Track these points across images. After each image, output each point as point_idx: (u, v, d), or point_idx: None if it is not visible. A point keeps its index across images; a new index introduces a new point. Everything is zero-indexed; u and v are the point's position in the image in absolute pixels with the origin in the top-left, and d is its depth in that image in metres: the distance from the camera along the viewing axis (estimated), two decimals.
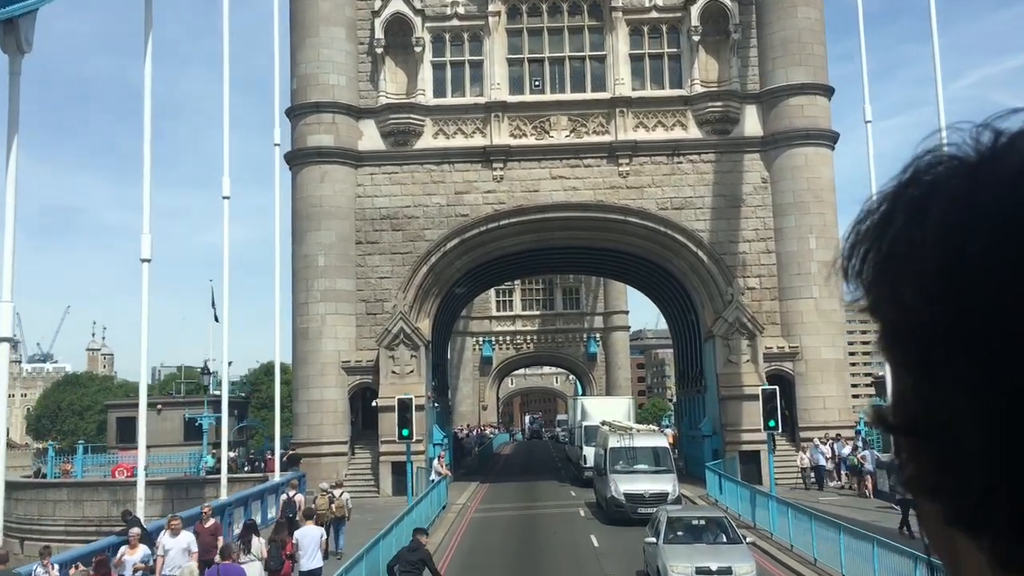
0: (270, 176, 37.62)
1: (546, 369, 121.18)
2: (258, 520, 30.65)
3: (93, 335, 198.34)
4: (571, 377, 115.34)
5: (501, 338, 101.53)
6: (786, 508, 25.25)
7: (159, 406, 48.66)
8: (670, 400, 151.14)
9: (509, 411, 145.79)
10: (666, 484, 26.83)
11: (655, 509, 22.21)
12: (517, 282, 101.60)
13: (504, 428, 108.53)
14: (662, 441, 29.50)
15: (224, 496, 28.77)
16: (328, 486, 29.67)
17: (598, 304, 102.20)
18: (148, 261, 24.38)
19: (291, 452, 40.92)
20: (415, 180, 42.19)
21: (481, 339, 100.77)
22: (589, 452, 34.93)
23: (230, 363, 52.74)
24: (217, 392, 67.56)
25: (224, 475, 30.61)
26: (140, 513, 35.33)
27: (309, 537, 21.58)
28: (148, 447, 49.92)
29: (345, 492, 29.54)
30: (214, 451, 44.20)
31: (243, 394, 57.91)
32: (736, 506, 29.81)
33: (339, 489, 29.60)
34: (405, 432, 28.32)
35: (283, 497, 29.81)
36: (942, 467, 0.71)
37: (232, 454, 47.74)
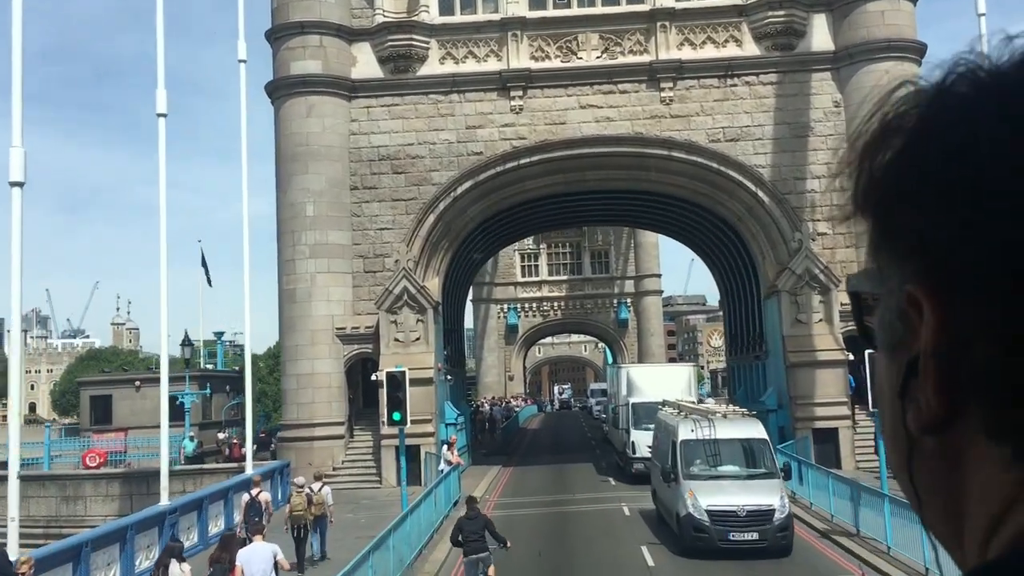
0: None
1: (574, 337, 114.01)
2: (220, 528, 23.87)
3: (118, 310, 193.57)
4: (600, 345, 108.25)
5: (527, 305, 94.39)
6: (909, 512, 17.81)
7: (137, 382, 42.04)
8: (700, 368, 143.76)
9: (537, 381, 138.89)
10: (769, 495, 17.55)
11: (754, 534, 14.97)
12: (543, 245, 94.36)
13: (532, 399, 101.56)
14: (758, 430, 18.52)
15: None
16: (303, 482, 23.13)
17: (628, 267, 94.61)
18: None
19: (260, 435, 34.23)
20: (419, 113, 34.86)
21: (506, 306, 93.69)
22: (640, 439, 27.07)
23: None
24: (210, 366, 61.19)
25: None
26: (92, 511, 28.70)
27: (256, 560, 15.26)
28: (126, 429, 43.61)
29: (326, 486, 22.77)
30: (194, 435, 37.53)
31: (237, 368, 51.33)
32: (826, 503, 22.52)
33: (318, 483, 22.75)
34: (396, 415, 21.24)
35: (244, 497, 22.95)
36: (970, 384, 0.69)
37: (223, 435, 41.10)
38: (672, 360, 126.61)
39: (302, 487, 23.36)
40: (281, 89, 34.54)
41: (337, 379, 33.67)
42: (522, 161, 34.57)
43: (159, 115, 21.56)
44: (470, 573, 15.61)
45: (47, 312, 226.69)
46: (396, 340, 33.00)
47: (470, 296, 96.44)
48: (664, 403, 23.16)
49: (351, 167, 34.65)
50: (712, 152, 34.20)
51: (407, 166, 34.66)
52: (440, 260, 35.14)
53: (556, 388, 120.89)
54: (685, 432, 17.92)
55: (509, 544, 16.05)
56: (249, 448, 27.26)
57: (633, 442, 27.55)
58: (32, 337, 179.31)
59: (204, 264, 52.75)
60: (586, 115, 34.51)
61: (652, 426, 25.19)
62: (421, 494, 24.28)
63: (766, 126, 34.40)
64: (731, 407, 19.22)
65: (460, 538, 15.68)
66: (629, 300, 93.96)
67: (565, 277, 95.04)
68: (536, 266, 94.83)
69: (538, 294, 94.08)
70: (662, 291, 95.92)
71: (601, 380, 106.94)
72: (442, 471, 28.08)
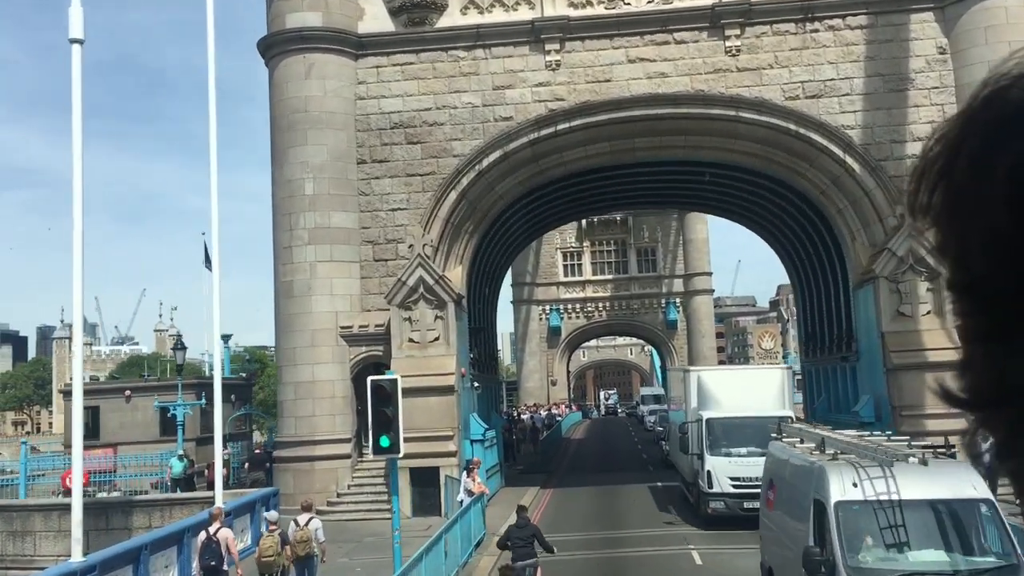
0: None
1: (619, 340, 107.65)
2: None
3: (160, 316, 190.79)
4: (647, 348, 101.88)
5: (570, 306, 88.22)
6: None
7: (127, 391, 36.65)
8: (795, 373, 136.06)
9: (582, 386, 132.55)
10: None
11: None
12: (586, 243, 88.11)
13: (577, 406, 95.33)
14: (974, 485, 9.83)
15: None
16: (276, 517, 17.87)
17: (677, 266, 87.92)
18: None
19: (255, 452, 28.67)
20: (438, 73, 28.98)
21: (548, 308, 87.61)
22: (719, 468, 20.16)
23: (182, 347, 40.41)
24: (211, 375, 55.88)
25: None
26: (42, 549, 23.22)
27: None
28: (115, 445, 38.32)
29: (315, 519, 18.45)
30: (184, 453, 32.00)
31: (243, 374, 45.84)
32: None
33: (305, 515, 18.35)
34: (384, 440, 15.22)
35: (199, 537, 17.48)
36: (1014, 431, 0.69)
37: (226, 451, 35.49)
38: (721, 363, 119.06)
39: (276, 524, 18.12)
40: (275, 47, 28.89)
41: (342, 387, 27.89)
42: (559, 127, 28.50)
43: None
44: None
45: (95, 319, 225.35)
46: (411, 341, 27.13)
47: (510, 297, 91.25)
48: (783, 428, 14.73)
49: (358, 137, 28.87)
50: (789, 111, 27.85)
51: (424, 135, 28.78)
52: (463, 246, 29.20)
53: (602, 394, 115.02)
54: (841, 487, 9.77)
55: (555, 550, 15.91)
56: (218, 473, 21.46)
57: (709, 472, 20.26)
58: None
59: (207, 259, 47.43)
60: (636, 71, 28.36)
61: (734, 451, 19.07)
62: (432, 536, 18.31)
63: (855, 79, 27.96)
64: (917, 447, 11.31)
65: (509, 544, 15.55)
66: (678, 300, 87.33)
67: (610, 276, 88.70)
68: (579, 265, 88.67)
69: (581, 294, 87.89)
70: (713, 290, 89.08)
71: (649, 384, 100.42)
72: (461, 502, 22.09)
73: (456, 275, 28.58)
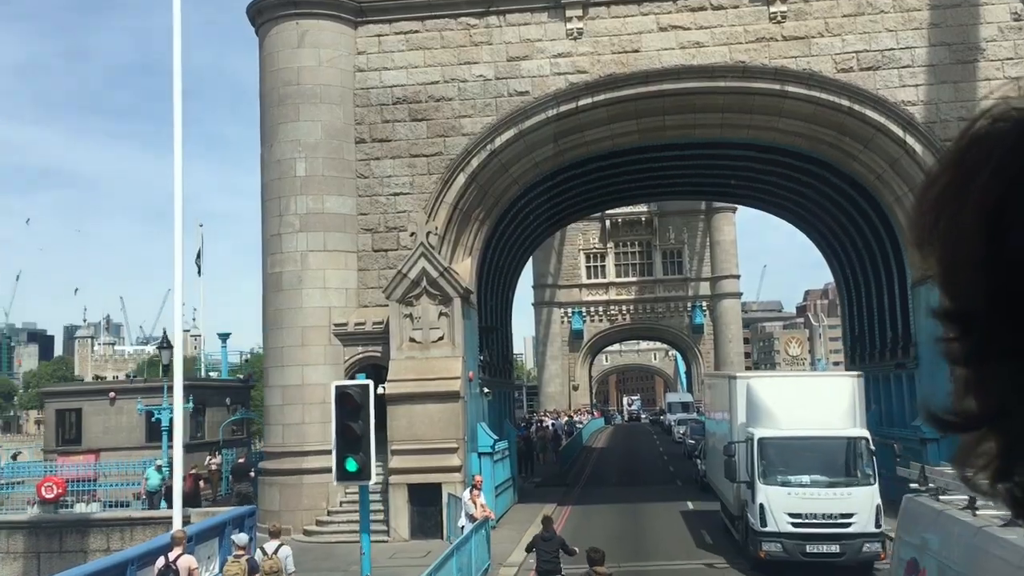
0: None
1: (643, 344, 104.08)
2: None
3: (194, 319, 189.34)
4: (671, 353, 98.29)
5: (593, 309, 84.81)
6: None
7: (112, 394, 33.61)
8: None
9: (604, 391, 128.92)
10: None
11: None
12: (610, 244, 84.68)
13: (599, 412, 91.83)
14: None
15: None
16: (245, 541, 14.94)
17: (704, 268, 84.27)
18: None
19: (238, 462, 25.57)
20: (446, 42, 25.73)
21: (570, 310, 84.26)
22: (775, 501, 15.96)
23: (169, 346, 37.99)
24: (214, 374, 52.94)
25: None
26: None
27: None
28: (97, 451, 35.33)
29: (284, 546, 16.17)
30: (161, 464, 28.92)
31: (241, 376, 42.80)
32: None
33: (274, 542, 16.15)
34: (351, 464, 11.93)
35: (157, 564, 14.59)
36: (1007, 453, 0.72)
37: (216, 461, 32.46)
38: (747, 369, 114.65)
39: (244, 548, 15.21)
40: (265, 12, 25.75)
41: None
42: (581, 102, 25.13)
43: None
44: None
45: (120, 320, 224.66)
46: (412, 341, 23.85)
47: (531, 299, 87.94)
48: (927, 473, 9.34)
49: (356, 113, 25.68)
50: (841, 85, 24.33)
51: (429, 111, 25.54)
52: (473, 236, 25.90)
53: (625, 400, 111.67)
54: None
55: (576, 551, 15.18)
56: (177, 487, 18.22)
57: (762, 506, 16.02)
58: (100, 344, 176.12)
59: (199, 256, 44.66)
60: (667, 40, 24.95)
61: (794, 480, 15.30)
62: (434, 561, 14.98)
63: (917, 49, 24.39)
64: None
65: (535, 549, 15.25)
66: (705, 304, 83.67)
67: (634, 279, 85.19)
68: (602, 267, 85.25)
69: (605, 297, 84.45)
70: (741, 293, 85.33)
71: (673, 390, 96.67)
72: (462, 529, 18.75)
73: (464, 268, 25.30)
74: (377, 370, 24.83)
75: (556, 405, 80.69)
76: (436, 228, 24.32)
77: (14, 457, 30.61)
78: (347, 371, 24.93)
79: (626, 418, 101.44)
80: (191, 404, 31.37)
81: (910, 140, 24.03)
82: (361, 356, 24.96)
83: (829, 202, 29.58)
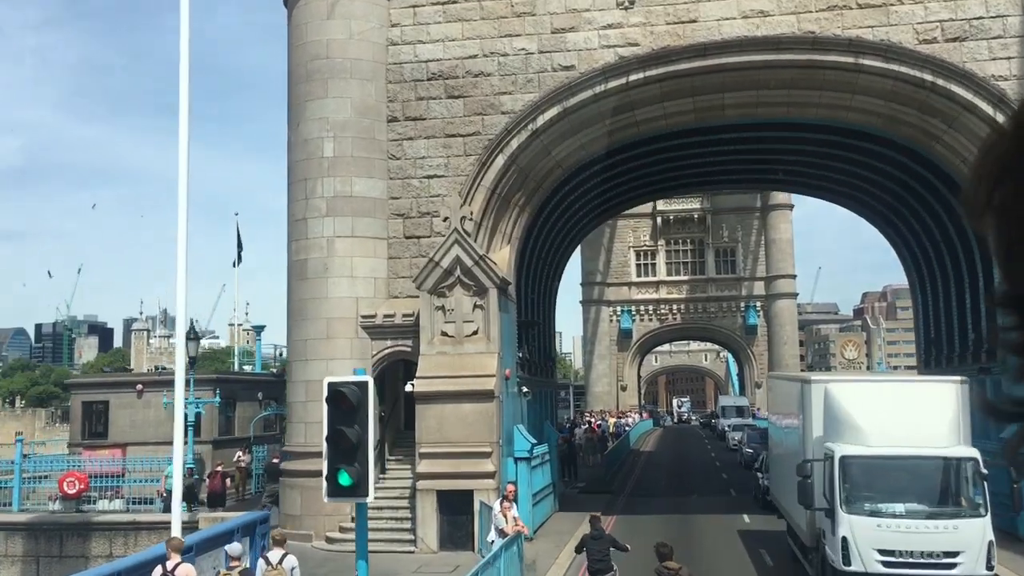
0: None
1: (694, 345, 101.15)
2: None
3: (234, 310, 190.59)
4: (722, 355, 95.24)
5: (642, 308, 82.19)
6: None
7: (139, 386, 32.17)
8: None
9: (653, 392, 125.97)
10: None
11: None
12: (661, 242, 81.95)
13: (648, 413, 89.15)
14: None
15: None
16: (240, 551, 13.41)
17: (758, 267, 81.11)
18: None
19: (272, 461, 23.83)
20: (485, 13, 23.62)
21: (619, 309, 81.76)
22: (861, 532, 12.83)
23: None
24: (248, 367, 51.47)
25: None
26: None
27: None
28: (124, 445, 33.92)
29: (289, 556, 14.54)
30: (197, 457, 27.40)
31: (275, 370, 41.19)
32: None
33: (278, 551, 14.56)
34: (343, 478, 9.85)
35: (154, 574, 12.86)
36: None
37: (245, 458, 30.86)
38: (806, 371, 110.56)
39: (238, 559, 13.54)
40: None
41: None
42: (632, 78, 22.82)
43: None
44: None
45: (175, 313, 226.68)
46: (443, 335, 21.80)
47: (579, 296, 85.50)
48: None
49: (389, 90, 23.71)
50: (924, 58, 21.65)
51: (467, 88, 23.46)
52: (512, 223, 23.77)
53: (675, 401, 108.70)
54: None
55: (628, 548, 14.89)
56: (177, 489, 16.40)
57: (845, 540, 12.85)
58: (156, 336, 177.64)
59: (239, 242, 43.29)
60: (728, 8, 22.53)
61: (885, 509, 12.36)
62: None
63: (1010, 17, 21.62)
64: None
65: (585, 549, 14.73)
66: (759, 304, 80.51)
67: (686, 277, 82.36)
68: (653, 264, 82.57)
69: (655, 296, 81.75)
70: (797, 294, 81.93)
71: (724, 392, 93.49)
72: (491, 543, 16.63)
73: (502, 257, 23.18)
74: (408, 366, 22.92)
75: (603, 405, 78.25)
76: (471, 213, 22.24)
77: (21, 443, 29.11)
78: (375, 366, 22.99)
79: (675, 420, 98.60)
80: (218, 399, 29.80)
81: (1002, 119, 21.27)
82: (390, 350, 23.00)
83: (906, 190, 26.83)
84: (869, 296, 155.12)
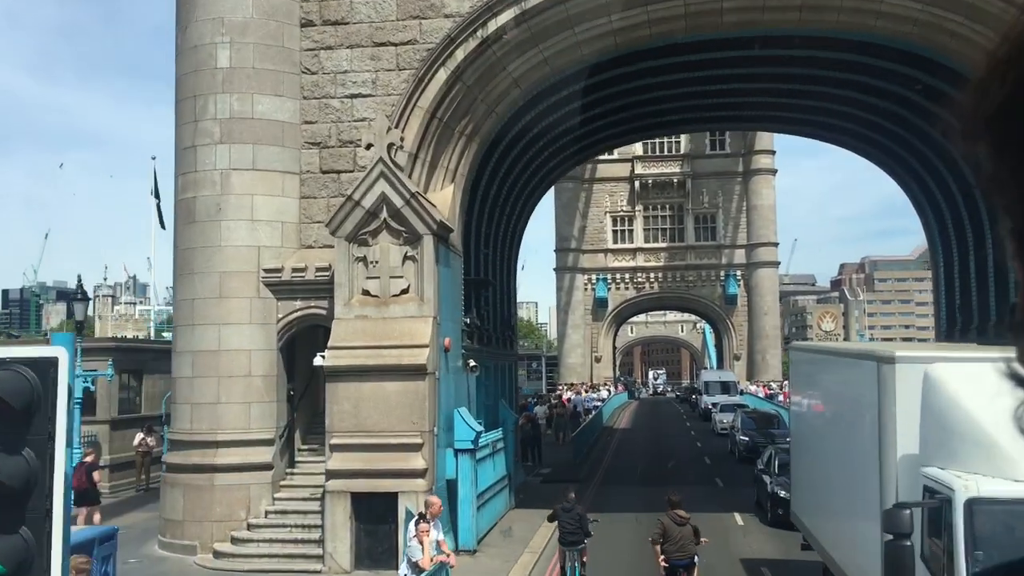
0: None
1: (670, 316, 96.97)
2: None
3: (150, 270, 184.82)
4: (699, 325, 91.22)
5: (618, 276, 77.56)
6: None
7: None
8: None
9: (628, 363, 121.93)
10: None
11: None
12: (639, 207, 77.14)
13: (623, 385, 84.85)
14: None
15: None
16: None
17: (739, 235, 76.58)
18: None
19: (84, 458, 18.93)
20: None
21: (594, 277, 77.07)
22: None
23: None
24: (169, 335, 46.31)
25: None
26: None
27: None
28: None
29: None
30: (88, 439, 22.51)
31: None
32: None
33: None
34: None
35: None
36: None
37: (150, 440, 25.92)
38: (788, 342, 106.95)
39: None
40: None
41: (265, 361, 17.77)
42: None
43: None
44: (565, 559, 14.50)
45: (147, 280, 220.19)
46: (365, 294, 16.84)
47: (553, 264, 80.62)
48: None
49: None
50: None
51: None
52: (457, 156, 18.75)
53: (651, 373, 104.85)
54: None
55: (592, 532, 14.81)
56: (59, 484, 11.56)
57: None
58: (121, 303, 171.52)
59: (156, 196, 38.02)
60: None
61: None
62: None
63: None
64: None
65: (558, 520, 14.65)
66: (739, 273, 76.10)
67: (664, 244, 77.66)
68: (630, 231, 77.79)
69: (632, 263, 77.09)
70: (779, 262, 77.53)
71: (700, 365, 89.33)
72: None
73: (443, 198, 18.21)
74: (325, 333, 17.95)
75: (577, 377, 73.80)
76: (402, 140, 17.20)
77: None
78: (282, 333, 18.04)
79: (651, 392, 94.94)
80: (111, 371, 24.68)
81: None
82: (301, 313, 18.03)
83: (928, 124, 21.99)
84: (847, 267, 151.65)
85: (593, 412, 42.99)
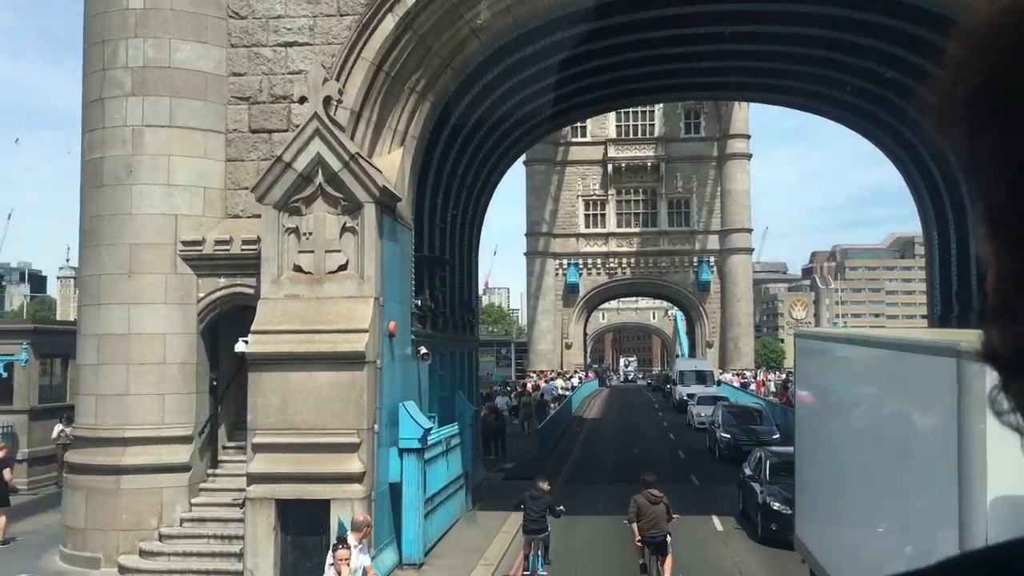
0: None
1: (642, 303, 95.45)
2: None
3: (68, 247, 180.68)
4: (671, 312, 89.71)
5: (590, 261, 75.67)
6: None
7: None
8: (782, 341, 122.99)
9: (599, 349, 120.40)
10: None
11: None
12: (611, 191, 75.08)
13: (594, 372, 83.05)
14: None
15: None
16: None
17: (713, 220, 74.85)
18: None
19: None
20: None
21: (566, 262, 75.13)
22: None
23: None
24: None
25: None
26: None
27: None
28: None
29: None
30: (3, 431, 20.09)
31: None
32: None
33: None
34: None
35: None
36: None
37: (67, 430, 23.38)
38: (760, 333, 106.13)
39: None
40: None
41: (183, 347, 15.39)
42: None
43: None
44: (530, 549, 14.37)
45: None
46: (297, 270, 14.50)
47: (521, 247, 78.33)
48: None
49: None
50: None
51: None
52: (408, 115, 16.40)
53: (622, 360, 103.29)
54: None
55: (560, 514, 14.57)
56: None
57: None
58: None
59: None
60: None
61: None
62: None
63: None
64: None
65: (523, 508, 14.38)
66: (712, 259, 74.49)
67: (636, 229, 75.75)
68: (603, 215, 75.82)
69: (604, 248, 75.13)
70: (752, 249, 75.92)
71: (672, 352, 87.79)
72: None
73: (391, 163, 15.88)
74: (254, 315, 15.59)
75: (547, 364, 71.85)
76: (341, 94, 14.84)
77: None
78: (203, 314, 15.67)
79: (622, 379, 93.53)
80: (25, 355, 22.14)
81: None
82: (226, 292, 15.65)
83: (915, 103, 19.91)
84: (818, 256, 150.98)
85: (558, 403, 40.90)
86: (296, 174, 14.40)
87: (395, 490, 14.94)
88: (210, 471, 15.77)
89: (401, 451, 14.94)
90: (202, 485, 15.52)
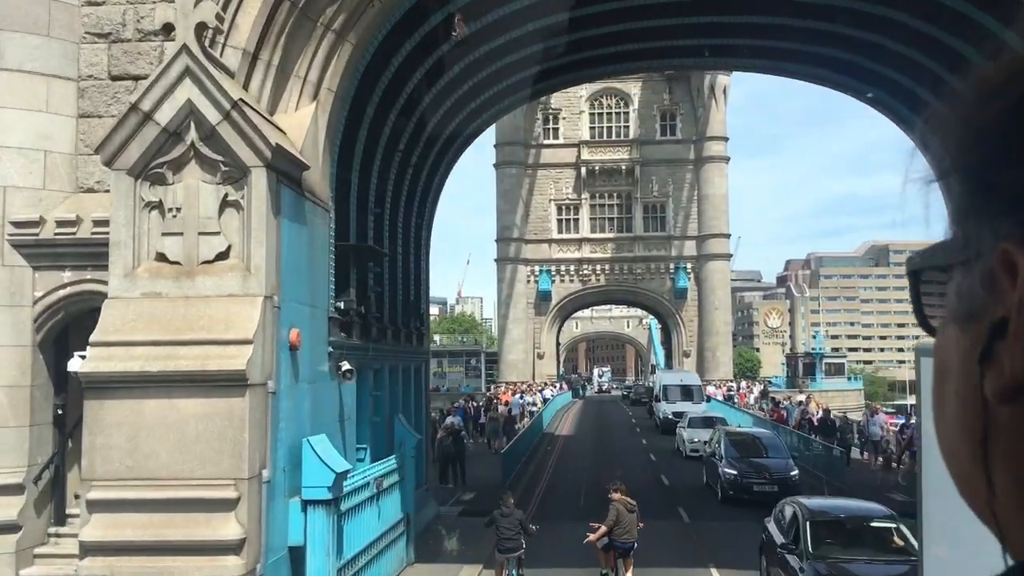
0: None
1: (616, 311, 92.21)
2: None
3: None
4: (645, 321, 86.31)
5: (563, 268, 72.20)
6: None
7: None
8: (757, 350, 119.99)
9: (572, 359, 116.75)
10: None
11: None
12: (585, 195, 71.58)
13: (568, 384, 79.21)
14: None
15: None
16: None
17: (690, 226, 71.58)
18: None
19: None
20: None
21: (538, 268, 71.53)
22: None
23: None
24: None
25: None
26: None
27: None
28: None
29: None
30: None
31: None
32: None
33: None
34: None
35: None
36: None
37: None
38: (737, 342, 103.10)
39: None
40: None
41: (10, 364, 11.33)
42: None
43: None
44: (504, 570, 14.23)
45: None
46: (161, 259, 10.49)
47: (494, 254, 74.41)
48: None
49: None
50: None
51: None
52: (321, 60, 12.41)
53: (596, 371, 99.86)
54: None
55: (534, 531, 14.46)
56: None
57: None
58: None
59: None
60: None
61: None
62: None
63: None
64: None
65: (495, 526, 14.22)
66: (689, 265, 71.23)
67: (611, 235, 72.44)
68: (576, 220, 72.45)
69: (577, 255, 71.73)
70: (731, 255, 72.70)
71: (646, 362, 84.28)
72: None
73: (298, 122, 11.92)
74: (93, 320, 11.46)
75: (519, 375, 68.03)
76: (220, 21, 10.87)
77: None
78: (43, 319, 11.58)
79: (596, 389, 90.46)
80: None
81: None
82: (73, 290, 11.59)
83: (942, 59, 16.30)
84: (793, 264, 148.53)
85: (528, 419, 36.98)
86: (159, 128, 10.40)
87: (297, 556, 10.93)
88: (54, 529, 11.68)
89: (305, 503, 10.94)
90: (39, 550, 11.42)
